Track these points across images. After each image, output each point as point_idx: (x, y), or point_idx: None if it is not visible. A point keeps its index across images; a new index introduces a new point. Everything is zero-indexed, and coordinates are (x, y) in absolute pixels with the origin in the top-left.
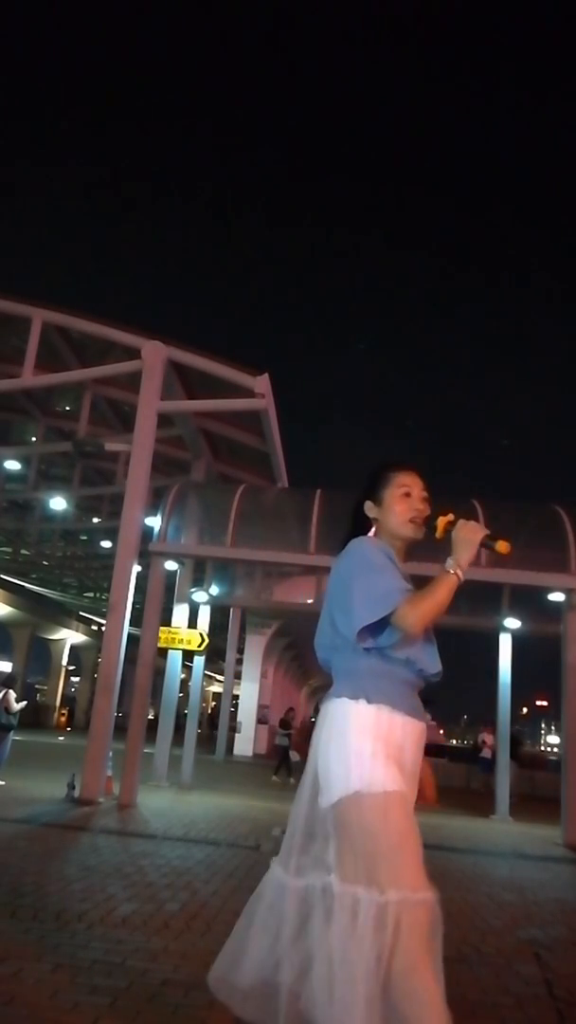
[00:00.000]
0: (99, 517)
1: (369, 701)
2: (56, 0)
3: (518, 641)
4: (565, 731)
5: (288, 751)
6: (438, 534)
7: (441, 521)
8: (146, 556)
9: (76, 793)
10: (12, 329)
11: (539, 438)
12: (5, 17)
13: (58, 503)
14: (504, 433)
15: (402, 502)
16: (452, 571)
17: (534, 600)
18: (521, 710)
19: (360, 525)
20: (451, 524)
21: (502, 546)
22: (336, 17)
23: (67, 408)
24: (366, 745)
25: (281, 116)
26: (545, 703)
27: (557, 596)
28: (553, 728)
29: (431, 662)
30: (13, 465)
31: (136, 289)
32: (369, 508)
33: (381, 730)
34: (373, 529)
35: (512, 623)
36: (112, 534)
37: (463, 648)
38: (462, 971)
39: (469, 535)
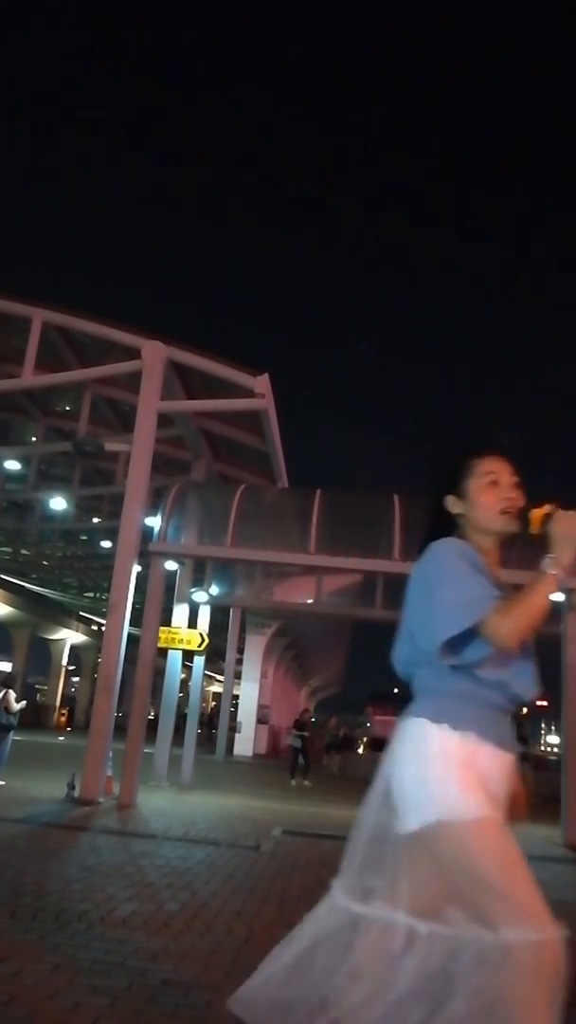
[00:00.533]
0: (99, 517)
1: (454, 727)
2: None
3: None
4: (565, 731)
5: (299, 752)
6: (533, 528)
7: (536, 513)
8: (146, 556)
9: (76, 793)
10: (12, 329)
11: (539, 438)
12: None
13: (58, 503)
14: (504, 432)
15: (490, 492)
16: (551, 572)
17: None
18: (521, 710)
19: (441, 524)
20: (548, 516)
21: None
22: (341, 9)
23: (67, 408)
24: (449, 772)
25: (281, 115)
26: (545, 703)
27: (557, 596)
28: (553, 728)
29: (527, 684)
30: (13, 465)
31: (136, 289)
32: (452, 503)
33: (464, 759)
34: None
35: None
36: (112, 534)
37: None
38: None
39: (571, 528)
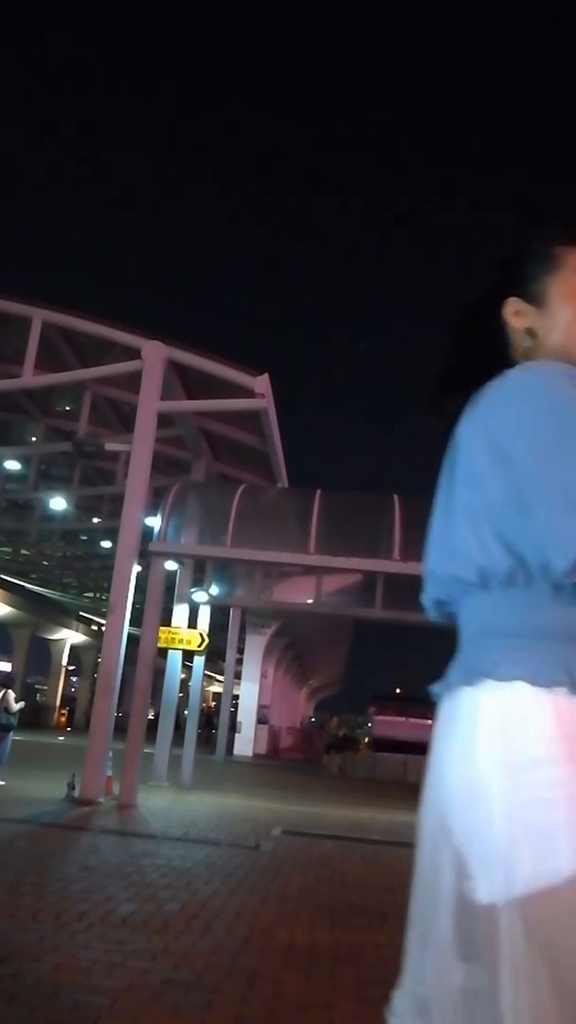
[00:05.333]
0: (99, 517)
1: None
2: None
3: None
4: None
5: None
6: None
7: None
8: (146, 556)
9: (76, 793)
10: (12, 329)
11: None
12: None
13: (58, 503)
14: None
15: None
16: None
17: None
18: None
19: (484, 349)
20: None
21: None
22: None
23: (67, 408)
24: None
25: (280, 113)
26: None
27: None
28: None
29: None
30: (13, 465)
31: (136, 289)
32: (515, 313)
33: None
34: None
35: None
36: (112, 534)
37: None
38: None
39: None
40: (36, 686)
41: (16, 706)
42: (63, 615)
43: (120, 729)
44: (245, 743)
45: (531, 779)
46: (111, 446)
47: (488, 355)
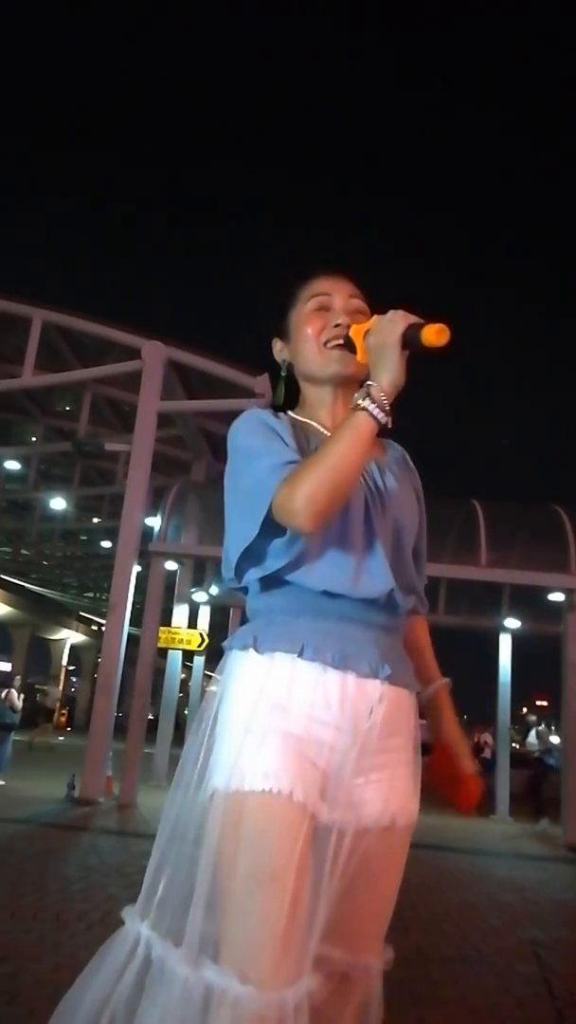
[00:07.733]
0: (99, 517)
1: (259, 649)
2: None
3: (518, 641)
4: (565, 731)
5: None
6: (359, 355)
7: (356, 331)
8: (146, 556)
9: (76, 793)
10: (12, 329)
11: (539, 438)
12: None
13: (58, 503)
14: (504, 433)
15: (315, 319)
16: (363, 403)
17: (534, 600)
18: (521, 710)
19: (277, 390)
20: (370, 332)
21: (433, 332)
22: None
23: (67, 408)
24: (242, 712)
25: (281, 113)
26: (545, 703)
27: (557, 596)
28: (553, 728)
29: (369, 574)
30: (13, 465)
31: (136, 289)
32: (279, 351)
33: (268, 690)
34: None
35: (512, 623)
36: (112, 534)
37: (463, 648)
38: (462, 971)
39: (384, 335)
40: (36, 686)
41: (19, 702)
42: (63, 615)
43: (120, 729)
44: None
45: (220, 712)
46: (111, 446)
47: (284, 397)
